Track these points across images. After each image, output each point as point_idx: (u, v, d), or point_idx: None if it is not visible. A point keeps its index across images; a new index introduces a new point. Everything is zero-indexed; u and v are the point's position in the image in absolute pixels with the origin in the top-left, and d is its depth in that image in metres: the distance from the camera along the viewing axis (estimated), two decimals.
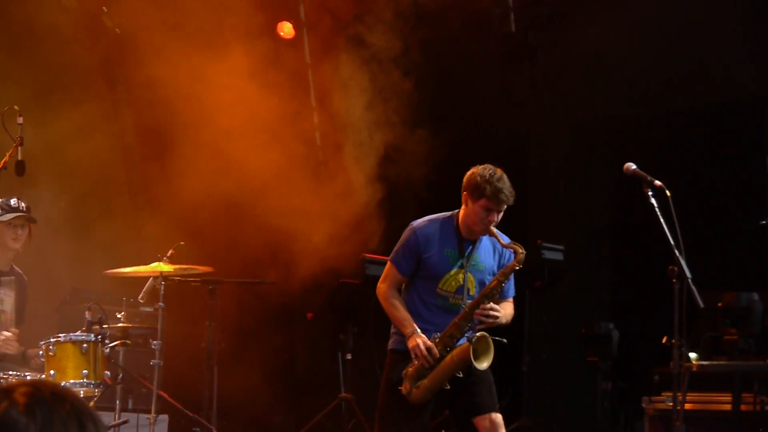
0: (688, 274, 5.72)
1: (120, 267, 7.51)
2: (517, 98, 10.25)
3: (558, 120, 10.31)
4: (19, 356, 7.30)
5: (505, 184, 5.94)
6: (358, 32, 9.98)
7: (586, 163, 10.44)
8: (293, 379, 11.01)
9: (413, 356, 5.93)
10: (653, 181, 5.86)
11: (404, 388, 5.96)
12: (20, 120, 6.11)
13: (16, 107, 6.12)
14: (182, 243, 7.49)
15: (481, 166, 6.01)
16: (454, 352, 5.90)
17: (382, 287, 6.16)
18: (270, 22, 10.69)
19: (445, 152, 9.38)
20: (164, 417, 8.39)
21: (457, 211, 6.12)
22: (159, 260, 7.42)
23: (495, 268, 6.07)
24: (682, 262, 5.72)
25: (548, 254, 9.54)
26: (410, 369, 5.96)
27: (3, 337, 7.06)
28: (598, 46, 9.68)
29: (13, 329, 7.09)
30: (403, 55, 9.59)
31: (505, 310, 6.05)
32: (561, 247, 9.67)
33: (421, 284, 6.08)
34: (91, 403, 6.65)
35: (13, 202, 7.15)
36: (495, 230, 5.99)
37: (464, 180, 6.04)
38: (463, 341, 5.95)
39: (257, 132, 9.89)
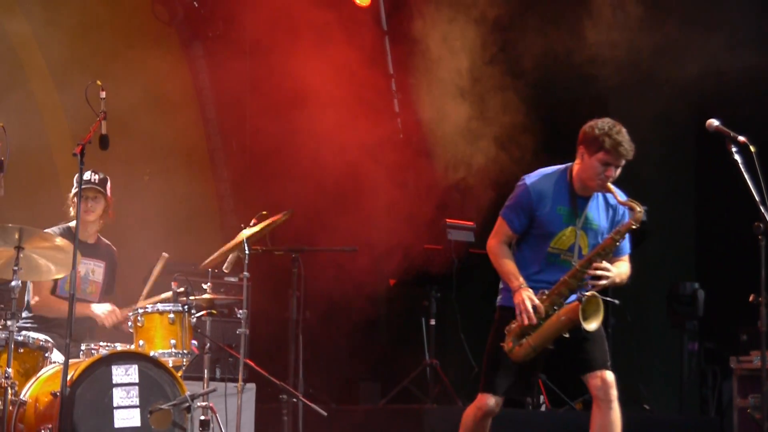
0: None
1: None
2: (595, 55, 10.11)
3: (638, 77, 10.16)
4: None
5: (625, 137, 5.75)
6: None
7: (668, 120, 10.29)
8: (378, 346, 11.06)
9: (517, 312, 5.73)
10: (737, 137, 5.73)
11: (506, 345, 5.76)
12: (103, 94, 6.17)
13: (98, 82, 6.18)
14: (264, 212, 7.52)
15: (600, 119, 5.82)
16: (562, 311, 5.69)
17: (491, 242, 5.95)
18: None
19: (523, 112, 9.30)
20: (251, 385, 8.48)
21: (570, 164, 5.92)
22: (242, 230, 7.47)
23: (608, 226, 5.89)
24: None
25: None
26: (514, 325, 5.76)
27: (111, 309, 7.21)
28: None
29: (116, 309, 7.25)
30: (479, 15, 9.49)
31: (619, 269, 5.86)
32: (644, 208, 9.56)
33: (533, 242, 5.88)
34: (180, 372, 6.76)
35: (86, 175, 7.22)
36: (612, 186, 5.78)
37: (580, 133, 5.84)
38: (572, 300, 5.74)
39: (336, 100, 9.91)
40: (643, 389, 9.64)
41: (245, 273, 7.31)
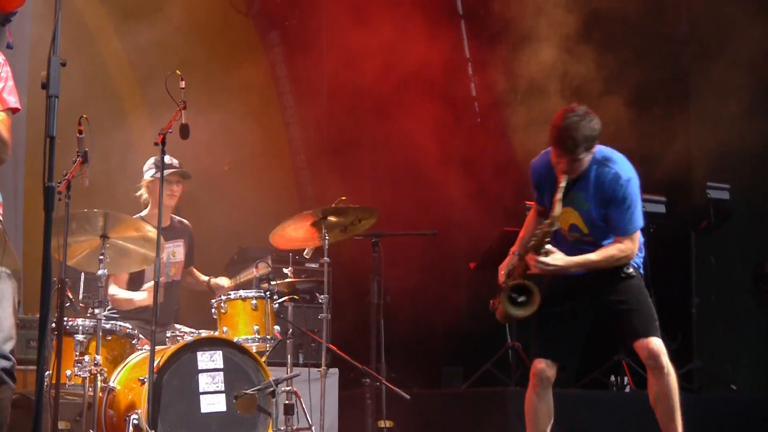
0: None
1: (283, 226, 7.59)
2: (677, 35, 9.99)
3: (720, 55, 10.01)
4: (205, 285, 7.57)
5: (567, 132, 5.48)
6: None
7: (750, 98, 10.13)
8: (459, 329, 11.04)
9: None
10: None
11: (492, 304, 6.07)
12: (182, 84, 6.22)
13: (178, 72, 6.23)
14: (344, 198, 7.54)
15: (571, 108, 5.61)
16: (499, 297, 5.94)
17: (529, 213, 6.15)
18: None
19: (605, 93, 9.18)
20: (334, 370, 8.52)
21: None
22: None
23: (601, 204, 5.70)
24: None
25: (714, 194, 9.33)
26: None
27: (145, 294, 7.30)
28: None
29: None
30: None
31: (604, 253, 5.71)
32: (727, 186, 9.43)
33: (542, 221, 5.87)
34: (263, 358, 6.81)
35: (166, 159, 7.33)
36: (563, 182, 5.58)
37: None
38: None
39: (412, 85, 9.90)
40: (729, 369, 9.52)
41: (326, 258, 7.32)
